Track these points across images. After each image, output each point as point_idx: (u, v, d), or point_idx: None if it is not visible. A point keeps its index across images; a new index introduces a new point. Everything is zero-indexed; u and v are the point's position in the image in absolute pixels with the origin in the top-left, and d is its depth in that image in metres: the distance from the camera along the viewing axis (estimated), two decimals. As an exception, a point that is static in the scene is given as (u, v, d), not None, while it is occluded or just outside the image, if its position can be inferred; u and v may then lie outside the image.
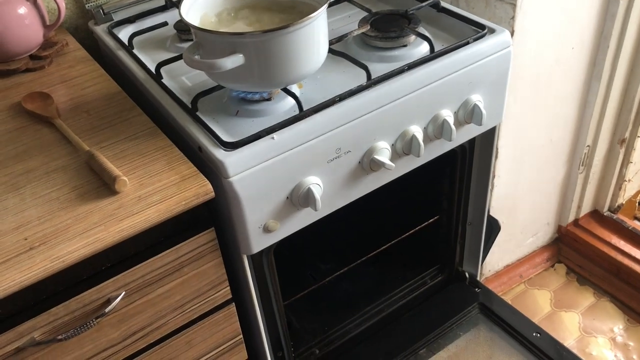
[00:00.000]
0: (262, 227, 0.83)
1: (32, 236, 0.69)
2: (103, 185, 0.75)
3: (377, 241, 1.25)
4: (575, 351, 1.46)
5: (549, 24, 1.23)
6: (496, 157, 1.38)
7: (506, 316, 1.22)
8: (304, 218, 0.87)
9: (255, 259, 0.93)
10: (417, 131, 0.91)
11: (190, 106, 0.84)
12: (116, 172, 0.74)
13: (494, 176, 1.42)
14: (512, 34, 1.19)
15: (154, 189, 0.75)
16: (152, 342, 0.84)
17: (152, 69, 0.92)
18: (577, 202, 1.66)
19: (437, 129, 0.93)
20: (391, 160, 0.91)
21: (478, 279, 1.34)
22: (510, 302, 1.59)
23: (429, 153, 0.96)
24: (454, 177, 1.15)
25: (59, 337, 0.73)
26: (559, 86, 1.37)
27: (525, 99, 1.32)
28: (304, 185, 0.83)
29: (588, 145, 1.54)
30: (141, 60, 0.95)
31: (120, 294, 0.76)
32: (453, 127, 0.92)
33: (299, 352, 1.18)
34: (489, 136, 1.09)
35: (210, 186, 0.75)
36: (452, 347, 1.20)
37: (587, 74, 1.40)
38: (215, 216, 0.82)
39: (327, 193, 0.87)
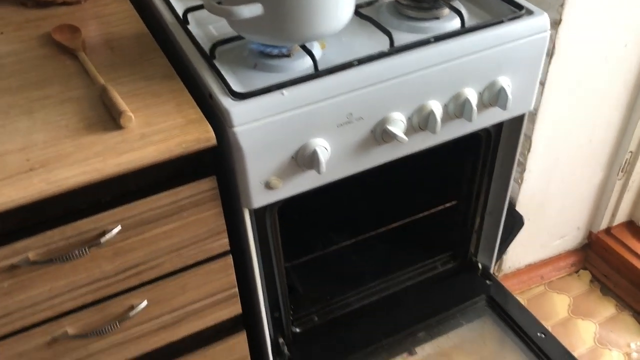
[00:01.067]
0: (264, 182, 0.83)
1: (34, 158, 0.71)
2: (111, 119, 0.77)
3: (392, 217, 1.24)
4: (584, 360, 1.42)
5: (601, 16, 1.17)
6: (528, 149, 1.34)
7: (513, 312, 1.19)
8: (309, 180, 0.87)
9: (259, 216, 0.93)
10: (436, 107, 0.88)
11: (208, 53, 0.84)
12: (123, 108, 0.75)
13: (523, 169, 1.38)
14: (559, 22, 1.14)
15: (158, 129, 0.75)
16: (145, 280, 0.86)
17: (181, 14, 0.93)
18: (612, 209, 1.59)
19: (458, 108, 0.90)
20: (406, 134, 0.88)
21: (492, 271, 1.30)
22: (526, 302, 1.55)
23: (447, 132, 0.93)
24: (476, 163, 1.11)
25: (53, 259, 0.75)
26: (606, 85, 1.31)
27: (567, 94, 1.27)
28: (310, 147, 0.82)
29: (631, 152, 1.47)
30: (171, 4, 0.96)
31: (116, 227, 0.78)
32: (475, 107, 0.89)
33: (298, 316, 1.19)
34: (517, 124, 1.05)
35: (212, 133, 0.75)
36: (452, 335, 1.18)
37: (638, 75, 1.33)
38: (219, 166, 0.82)
39: (335, 158, 0.86)
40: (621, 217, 1.62)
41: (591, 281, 1.65)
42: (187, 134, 0.75)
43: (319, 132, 0.83)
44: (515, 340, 1.16)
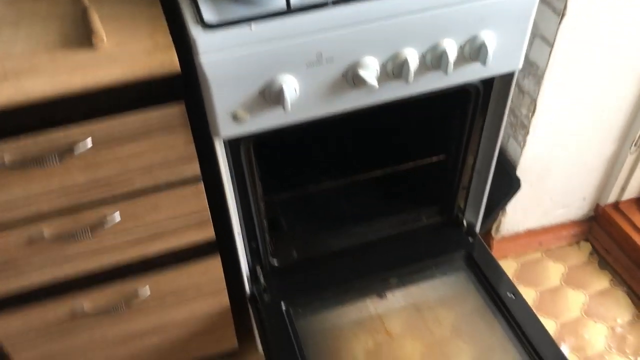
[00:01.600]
0: (231, 114, 0.86)
1: (9, 67, 0.76)
2: (88, 39, 0.81)
3: (381, 164, 1.25)
4: (567, 330, 1.43)
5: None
6: (533, 112, 1.31)
7: (487, 270, 1.20)
8: (277, 117, 0.89)
9: (233, 148, 0.97)
10: (411, 55, 0.88)
11: (190, -19, 0.86)
12: (97, 29, 0.79)
13: (527, 132, 1.36)
14: (572, -19, 1.09)
15: (127, 51, 0.79)
16: (117, 194, 0.92)
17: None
18: (622, 183, 1.55)
19: (435, 59, 0.90)
20: (380, 80, 0.89)
21: (477, 230, 1.31)
22: (519, 266, 1.56)
23: (423, 83, 0.93)
24: (464, 118, 1.11)
25: (28, 164, 0.82)
26: (623, 50, 1.25)
27: (578, 57, 1.22)
28: (277, 83, 0.84)
29: (646, 125, 1.41)
30: None
31: (87, 139, 0.83)
32: (451, 60, 0.89)
33: (278, 250, 1.24)
34: (506, 82, 1.03)
35: (175, 60, 0.78)
36: (423, 285, 1.21)
37: (659, 45, 1.26)
38: (190, 94, 0.86)
39: (304, 98, 0.88)
40: (631, 192, 1.57)
41: (590, 253, 1.63)
42: (153, 59, 0.78)
43: (288, 70, 0.85)
44: (484, 297, 1.17)
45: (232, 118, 0.87)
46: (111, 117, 0.82)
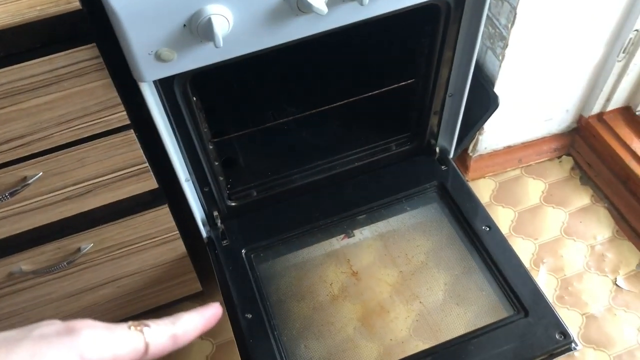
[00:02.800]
0: (154, 54, 0.73)
1: None
2: (-37, -30, 0.65)
3: (347, 93, 1.13)
4: (545, 250, 1.38)
5: None
6: (512, 22, 1.18)
7: (461, 201, 1.12)
8: (211, 53, 0.76)
9: (165, 88, 0.84)
10: (365, -28, 0.74)
11: None
12: (-30, -43, 0.63)
13: (506, 45, 1.23)
14: None
15: (13, -14, 0.64)
16: (35, 152, 0.80)
17: None
18: (608, 93, 1.44)
19: (395, -25, 0.76)
20: (329, 4, 0.75)
21: (451, 156, 1.21)
22: (497, 185, 1.48)
23: (380, 3, 0.79)
24: (434, 38, 0.98)
25: None
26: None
27: (561, -42, 1.07)
28: (204, 13, 0.70)
29: (637, 30, 1.28)
30: None
31: (-17, 95, 0.70)
32: (412, -25, 0.74)
33: (236, 190, 1.14)
34: (480, -4, 0.89)
35: (73, -6, 0.64)
36: (392, 221, 1.13)
37: (656, -62, 1.11)
38: (104, 33, 0.72)
39: (239, 30, 0.74)
40: (617, 102, 1.47)
41: (572, 168, 1.55)
42: (44, -6, 0.63)
43: (216, -2, 0.70)
44: (457, 231, 1.10)
45: (155, 58, 0.73)
46: (9, 67, 0.69)
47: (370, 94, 1.11)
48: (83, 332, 0.33)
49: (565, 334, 0.92)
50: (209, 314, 0.40)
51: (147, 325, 0.36)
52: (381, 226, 1.13)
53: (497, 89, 1.31)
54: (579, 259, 1.39)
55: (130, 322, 0.35)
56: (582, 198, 1.49)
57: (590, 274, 1.36)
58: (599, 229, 1.43)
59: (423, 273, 1.06)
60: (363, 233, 1.12)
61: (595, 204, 1.48)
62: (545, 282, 1.35)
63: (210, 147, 1.00)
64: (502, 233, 1.07)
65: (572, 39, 1.27)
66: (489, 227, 1.08)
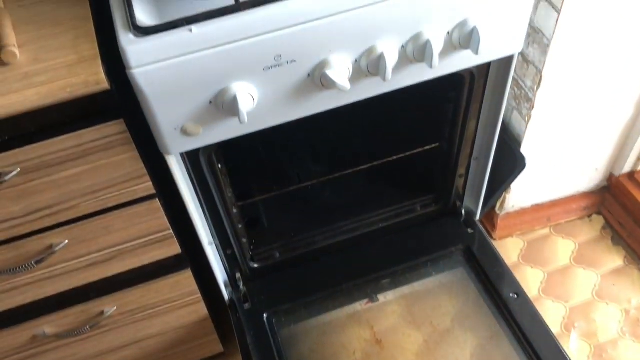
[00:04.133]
0: (180, 129, 0.74)
1: None
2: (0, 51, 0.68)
3: (372, 155, 1.13)
4: (577, 314, 1.33)
5: None
6: (538, 85, 1.17)
7: (488, 266, 1.09)
8: (235, 127, 0.77)
9: (191, 158, 0.85)
10: (389, 49, 0.74)
11: (121, -27, 0.72)
12: (6, 41, 0.66)
13: (532, 107, 1.22)
14: (581, -63, 0.93)
15: (46, 67, 0.66)
16: (62, 221, 0.81)
17: None
18: (638, 152, 1.41)
19: (418, 51, 0.76)
20: (354, 78, 0.76)
21: (477, 219, 1.19)
22: (525, 244, 1.45)
23: (404, 78, 0.80)
24: (459, 104, 0.97)
25: (-52, 201, 0.71)
26: (640, 14, 1.10)
27: (590, 23, 1.07)
28: (230, 91, 0.71)
29: (667, 91, 1.26)
30: None
31: (14, 170, 0.72)
32: (436, 51, 0.75)
33: (259, 251, 1.14)
34: (505, 65, 0.89)
35: (102, 76, 0.65)
36: (417, 285, 1.11)
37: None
38: (132, 108, 0.73)
39: (263, 105, 0.75)
40: (648, 161, 1.44)
41: (603, 228, 1.51)
42: (75, 75, 0.65)
43: (241, 76, 0.71)
44: (484, 297, 1.07)
45: (181, 133, 0.75)
46: (40, 143, 0.70)
47: (394, 157, 1.11)
48: None
49: (598, 413, 0.88)
50: None
51: None
52: (406, 290, 1.11)
53: (524, 149, 1.29)
54: (612, 324, 1.34)
55: None
56: (614, 259, 1.45)
57: (625, 340, 1.31)
58: (634, 292, 1.38)
59: (449, 341, 1.03)
60: (387, 297, 1.10)
61: (628, 265, 1.43)
62: (578, 348, 1.30)
63: (235, 210, 1.00)
64: (530, 301, 1.04)
65: (600, 100, 1.26)
66: (517, 294, 1.06)
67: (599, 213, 1.54)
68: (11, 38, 0.66)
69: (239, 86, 0.71)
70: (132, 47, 0.65)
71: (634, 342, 1.30)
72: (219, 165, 0.90)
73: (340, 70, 0.74)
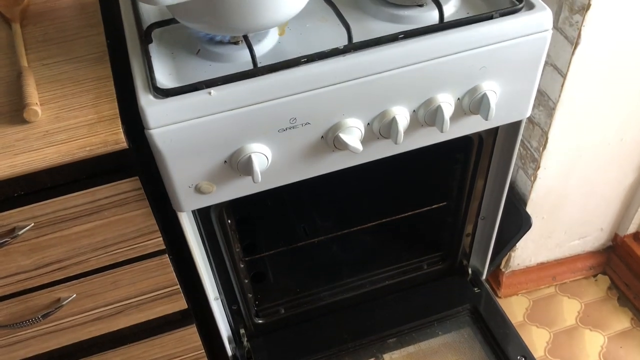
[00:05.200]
0: (194, 187, 0.75)
1: None
2: (21, 111, 0.69)
3: (380, 212, 1.14)
4: (582, 378, 1.31)
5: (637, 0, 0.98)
6: (544, 146, 1.19)
7: (495, 327, 1.08)
8: (248, 186, 0.78)
9: (202, 215, 0.86)
10: (401, 113, 0.76)
11: (143, 35, 0.75)
12: (29, 100, 0.67)
13: (537, 167, 1.23)
14: (587, 7, 0.96)
15: (65, 126, 0.68)
16: (71, 275, 0.81)
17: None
18: (643, 214, 1.42)
19: (430, 116, 0.78)
20: (366, 141, 0.77)
21: (483, 278, 1.19)
22: (531, 303, 1.44)
23: (414, 141, 0.81)
24: (466, 165, 0.99)
25: (-40, 254, 0.71)
26: (643, 80, 1.12)
27: (593, 88, 1.09)
28: (244, 152, 0.73)
29: (669, 154, 1.28)
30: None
31: (27, 225, 0.72)
32: (447, 116, 0.76)
33: (264, 307, 1.13)
34: (513, 130, 0.91)
35: (121, 136, 0.67)
36: (423, 345, 1.09)
37: (685, 70, 1.13)
38: (147, 165, 0.74)
39: (278, 164, 0.76)
40: (653, 222, 1.44)
41: (609, 288, 1.50)
42: (94, 134, 0.67)
43: (256, 137, 0.73)
44: (491, 359, 1.06)
45: (195, 191, 0.75)
46: (54, 199, 0.71)
47: (401, 215, 1.11)
48: None
49: None
50: None
51: None
52: (411, 350, 1.09)
53: (529, 208, 1.30)
54: (620, 388, 1.31)
55: None
56: (621, 321, 1.44)
57: (633, 405, 1.28)
58: (641, 355, 1.37)
59: (456, 406, 1.02)
60: (393, 357, 1.09)
61: (635, 327, 1.42)
62: (585, 413, 1.27)
63: (242, 265, 1.00)
64: (538, 364, 1.03)
65: (603, 163, 1.27)
66: (524, 357, 1.04)
67: (604, 273, 1.53)
68: (34, 97, 0.68)
69: (254, 147, 0.73)
70: (152, 108, 0.67)
71: (643, 408, 1.28)
72: (229, 221, 0.91)
73: (352, 133, 0.75)
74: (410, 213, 1.10)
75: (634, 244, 1.46)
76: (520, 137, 0.92)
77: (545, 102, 1.14)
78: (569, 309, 1.47)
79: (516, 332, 1.08)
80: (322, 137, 0.76)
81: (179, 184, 0.74)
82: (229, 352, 1.10)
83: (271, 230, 1.19)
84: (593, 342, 1.40)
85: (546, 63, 1.09)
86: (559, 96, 1.10)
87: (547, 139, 1.17)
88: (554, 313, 1.46)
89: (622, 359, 1.36)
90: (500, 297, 1.49)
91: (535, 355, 1.08)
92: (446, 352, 1.09)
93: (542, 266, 1.50)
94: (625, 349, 1.38)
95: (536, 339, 1.41)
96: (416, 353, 1.09)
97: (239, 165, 0.73)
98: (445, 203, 1.09)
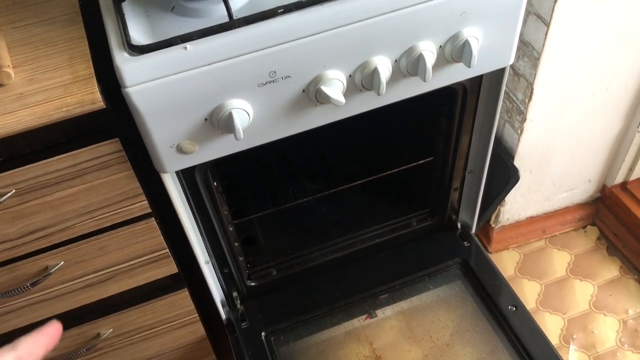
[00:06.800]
0: (175, 147, 0.74)
1: None
2: (-6, 73, 0.68)
3: (367, 170, 1.13)
4: (575, 326, 1.33)
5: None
6: (529, 97, 1.18)
7: (485, 279, 1.09)
8: (231, 144, 0.77)
9: (187, 176, 0.85)
10: (382, 63, 0.75)
11: (115, -8, 0.73)
12: (1, 62, 0.66)
13: (524, 119, 1.23)
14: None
15: (40, 88, 0.66)
16: (57, 242, 0.81)
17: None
18: (630, 163, 1.42)
19: (412, 65, 0.77)
20: (348, 93, 0.76)
21: (473, 232, 1.20)
22: (521, 257, 1.45)
23: (397, 92, 0.80)
24: (452, 118, 0.98)
25: (-59, 224, 0.70)
26: (628, 26, 1.11)
27: (578, 36, 1.09)
28: (225, 108, 0.72)
29: (655, 101, 1.28)
30: None
31: (9, 192, 0.71)
32: (429, 65, 0.75)
33: (255, 269, 1.13)
34: (497, 79, 0.90)
35: (98, 95, 0.66)
36: (415, 300, 1.10)
37: (669, 15, 1.12)
38: (127, 127, 0.73)
39: (259, 121, 0.75)
40: (639, 171, 1.45)
41: (598, 239, 1.52)
42: (70, 95, 0.65)
43: (236, 92, 0.72)
44: (482, 310, 1.07)
45: (177, 151, 0.75)
46: (35, 164, 0.70)
47: (389, 172, 1.11)
48: None
49: None
50: (49, 331, 0.41)
51: None
52: (404, 305, 1.10)
53: (517, 162, 1.30)
54: (611, 335, 1.33)
55: None
56: (610, 270, 1.45)
57: (624, 350, 1.31)
58: (631, 302, 1.39)
59: (448, 356, 1.03)
60: (385, 313, 1.10)
61: (624, 275, 1.44)
62: (577, 360, 1.29)
63: (231, 229, 1.00)
64: (529, 313, 1.04)
65: (590, 113, 1.27)
66: (515, 307, 1.05)
67: (593, 224, 1.55)
68: (5, 59, 0.67)
69: (234, 103, 0.72)
70: (127, 66, 0.65)
71: (633, 353, 1.30)
72: (215, 183, 0.90)
73: (334, 86, 0.74)
74: (397, 169, 1.09)
75: (621, 194, 1.47)
76: (504, 86, 0.91)
77: (530, 53, 1.13)
78: (559, 261, 1.48)
79: (507, 283, 1.09)
80: (304, 90, 0.75)
81: (160, 144, 0.73)
82: (223, 316, 1.10)
83: (259, 194, 1.18)
84: (583, 291, 1.42)
85: (529, 12, 1.08)
86: (543, 46, 1.09)
87: (532, 90, 1.17)
88: (545, 265, 1.47)
89: (612, 306, 1.38)
90: (491, 253, 1.50)
91: (527, 307, 1.09)
92: (438, 306, 1.10)
93: (532, 220, 1.51)
94: (614, 296, 1.40)
95: (527, 292, 1.42)
96: (408, 308, 1.10)
97: (220, 122, 0.72)
98: (432, 158, 1.08)
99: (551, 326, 1.35)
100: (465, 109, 0.95)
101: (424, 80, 0.77)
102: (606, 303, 1.39)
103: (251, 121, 0.74)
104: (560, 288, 1.43)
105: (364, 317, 1.09)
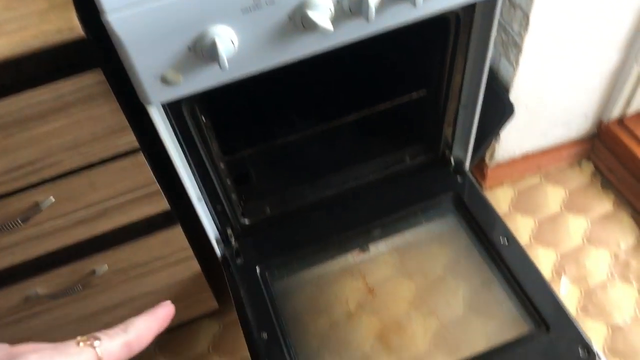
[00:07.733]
0: (159, 77, 0.72)
1: None
2: (-32, 2, 0.66)
3: (360, 105, 1.12)
4: (567, 259, 1.35)
5: None
6: (525, 29, 1.16)
7: (478, 213, 1.09)
8: (217, 75, 0.75)
9: (174, 111, 0.84)
10: (370, -13, 0.72)
11: None
12: (-26, -11, 0.64)
13: (519, 51, 1.21)
14: None
15: (17, 15, 0.64)
16: (46, 177, 0.80)
17: None
18: (627, 98, 1.41)
19: (401, -12, 0.74)
20: (335, 21, 0.74)
21: (466, 167, 1.19)
22: (516, 193, 1.45)
23: (387, 18, 0.78)
24: (445, 48, 0.96)
25: None
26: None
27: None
28: (208, 36, 0.70)
29: (655, 33, 1.25)
30: None
31: (-9, 124, 0.70)
32: (419, -12, 0.73)
33: (249, 207, 1.13)
34: (491, 6, 0.88)
35: (76, 22, 0.64)
36: (408, 234, 1.11)
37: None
38: (110, 57, 0.72)
39: (244, 50, 0.73)
40: (636, 107, 1.43)
41: (593, 174, 1.52)
42: (47, 22, 0.63)
43: (220, 19, 0.70)
44: (475, 244, 1.08)
45: (161, 82, 0.73)
46: (16, 95, 0.69)
47: (381, 106, 1.10)
48: (28, 356, 0.32)
49: (588, 349, 0.90)
50: (161, 314, 0.39)
51: (98, 338, 0.35)
52: (397, 240, 1.11)
53: (512, 96, 1.29)
54: (602, 268, 1.35)
55: (79, 338, 0.34)
56: (604, 204, 1.46)
57: (614, 282, 1.33)
58: (623, 236, 1.40)
59: (440, 287, 1.04)
60: (378, 247, 1.11)
61: (617, 209, 1.44)
62: (568, 293, 1.31)
63: (222, 165, 0.99)
64: (521, 246, 1.05)
65: (587, 45, 1.24)
66: (507, 240, 1.06)
67: (588, 159, 1.54)
68: (-21, -14, 0.64)
69: (217, 30, 0.70)
70: (106, -9, 0.63)
71: (623, 285, 1.32)
72: (203, 118, 0.89)
73: (322, 11, 0.72)
74: (390, 104, 1.08)
75: (617, 129, 1.46)
76: (497, 15, 0.88)
77: (526, -19, 1.09)
78: (553, 197, 1.48)
79: (499, 216, 1.10)
80: (290, 17, 0.73)
81: (143, 74, 0.71)
82: (218, 253, 1.11)
83: (250, 131, 1.17)
84: (577, 226, 1.43)
85: (526, -62, 1.04)
86: (540, -27, 1.05)
87: (528, 21, 1.14)
88: (539, 201, 1.48)
89: (605, 239, 1.40)
90: (485, 189, 1.50)
91: (520, 242, 1.09)
92: (431, 241, 1.10)
93: (527, 156, 1.50)
94: (607, 230, 1.41)
95: (521, 227, 1.43)
96: (401, 243, 1.11)
97: (204, 51, 0.71)
98: (425, 91, 1.07)
99: (544, 260, 1.37)
100: (459, 39, 0.93)
101: (414, 5, 0.74)
102: (599, 237, 1.40)
103: (236, 50, 0.72)
104: (554, 223, 1.44)
105: (357, 251, 1.10)
